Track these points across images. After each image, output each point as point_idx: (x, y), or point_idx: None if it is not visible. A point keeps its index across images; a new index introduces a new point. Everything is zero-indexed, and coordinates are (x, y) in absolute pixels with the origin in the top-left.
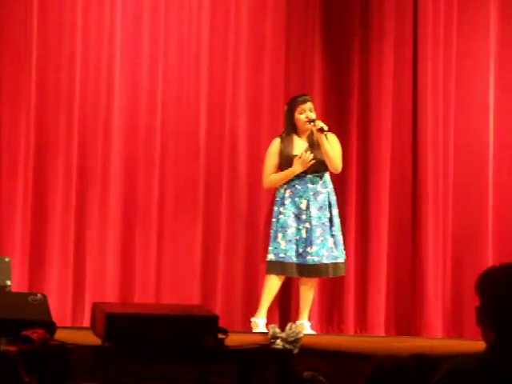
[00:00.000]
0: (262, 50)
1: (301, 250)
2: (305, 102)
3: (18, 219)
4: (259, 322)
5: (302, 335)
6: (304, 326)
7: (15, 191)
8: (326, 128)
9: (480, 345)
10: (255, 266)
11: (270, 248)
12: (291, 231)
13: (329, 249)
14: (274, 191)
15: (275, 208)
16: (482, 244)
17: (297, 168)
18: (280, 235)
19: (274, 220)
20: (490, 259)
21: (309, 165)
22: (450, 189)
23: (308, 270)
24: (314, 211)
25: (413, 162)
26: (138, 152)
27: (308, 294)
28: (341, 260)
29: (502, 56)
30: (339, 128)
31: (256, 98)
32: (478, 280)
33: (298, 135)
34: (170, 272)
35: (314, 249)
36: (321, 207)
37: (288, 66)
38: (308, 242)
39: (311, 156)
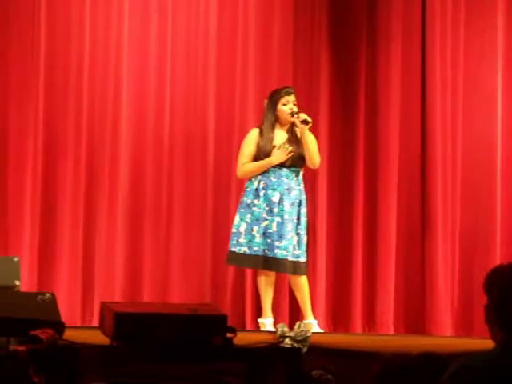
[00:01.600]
0: (269, 50)
1: (269, 243)
2: (289, 93)
3: (26, 219)
4: (266, 322)
5: (310, 334)
6: (312, 325)
7: (24, 191)
8: (309, 120)
9: (489, 343)
10: None
11: (241, 240)
12: (264, 224)
13: (293, 246)
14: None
15: (245, 198)
16: (491, 243)
17: (275, 158)
18: (255, 228)
19: (242, 210)
20: (498, 258)
21: (287, 157)
22: (458, 188)
23: (273, 263)
24: (286, 206)
25: (421, 162)
26: (147, 151)
27: (301, 293)
28: (302, 259)
29: (511, 55)
30: (346, 127)
31: (264, 98)
32: (486, 278)
33: (278, 127)
34: (178, 271)
35: (284, 243)
36: (292, 203)
37: (295, 66)
38: (278, 235)
39: (290, 148)
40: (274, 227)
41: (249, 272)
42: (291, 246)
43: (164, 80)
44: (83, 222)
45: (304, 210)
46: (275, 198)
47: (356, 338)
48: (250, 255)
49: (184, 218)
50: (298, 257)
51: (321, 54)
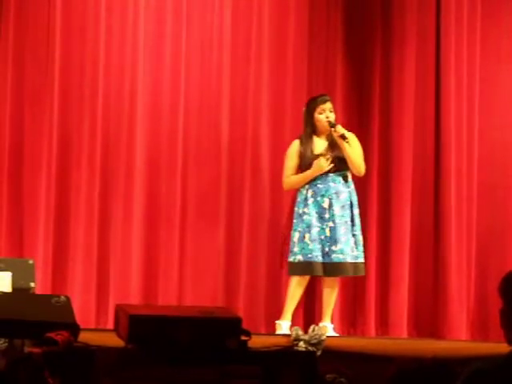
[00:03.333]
0: (284, 53)
1: (326, 249)
2: (325, 101)
3: (41, 221)
4: (283, 325)
5: (324, 337)
6: (327, 328)
7: (39, 194)
8: (347, 135)
9: (504, 347)
10: (278, 267)
11: (294, 249)
12: (315, 231)
13: (350, 248)
14: (295, 192)
15: (296, 209)
16: (507, 245)
17: (317, 169)
18: (307, 236)
19: (295, 221)
20: None
21: (329, 167)
22: (473, 190)
23: (333, 268)
24: (337, 210)
25: (435, 163)
26: (161, 154)
27: (331, 295)
28: (361, 260)
29: None
30: (361, 130)
31: (278, 101)
32: (501, 282)
33: (318, 135)
34: (192, 274)
35: (339, 247)
36: (343, 206)
37: (310, 69)
38: (333, 240)
39: (329, 161)
40: (328, 233)
41: (262, 275)
42: (349, 249)
43: (178, 82)
44: (98, 224)
45: (357, 211)
46: (325, 204)
47: (369, 341)
48: (305, 262)
49: (198, 221)
50: (357, 258)
51: (336, 57)
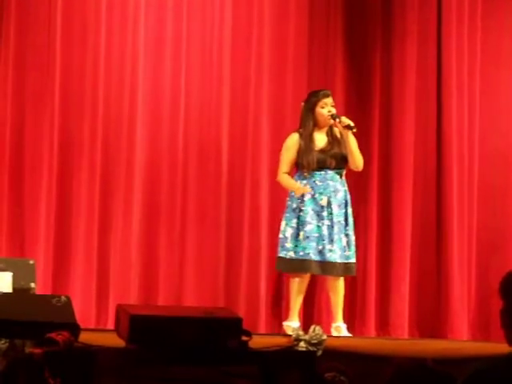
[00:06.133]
0: (284, 52)
1: (320, 247)
2: (327, 96)
3: (42, 222)
4: (292, 326)
5: (325, 337)
6: (340, 329)
7: (39, 194)
8: (352, 124)
9: (505, 347)
10: None
11: (286, 244)
12: (310, 228)
13: (342, 248)
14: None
15: (290, 202)
16: (508, 245)
17: (297, 189)
18: (301, 233)
19: (288, 215)
20: None
21: (301, 194)
22: (475, 190)
23: (327, 267)
24: (335, 208)
25: (437, 163)
26: (162, 155)
27: (338, 296)
28: (352, 260)
29: None
30: (361, 128)
31: (279, 102)
32: (501, 282)
33: (318, 130)
34: (193, 274)
35: (335, 246)
36: (339, 205)
37: (311, 68)
38: (329, 239)
39: (309, 189)
40: (325, 231)
41: (263, 275)
42: (341, 248)
43: (179, 83)
44: (98, 225)
45: (350, 211)
46: (323, 201)
47: (370, 341)
48: (296, 260)
49: (198, 222)
50: (349, 258)
51: (336, 56)
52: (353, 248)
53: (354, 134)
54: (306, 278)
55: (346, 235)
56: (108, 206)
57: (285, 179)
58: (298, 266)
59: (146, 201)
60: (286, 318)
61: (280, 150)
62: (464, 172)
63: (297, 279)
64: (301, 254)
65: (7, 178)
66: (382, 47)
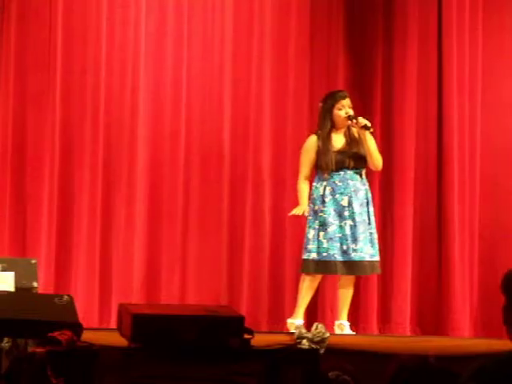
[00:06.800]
0: (286, 51)
1: (345, 247)
2: (344, 97)
3: (44, 221)
4: (296, 323)
5: (328, 335)
6: (344, 326)
7: (41, 193)
8: (369, 124)
9: (508, 344)
10: (281, 266)
11: (309, 247)
12: (332, 229)
13: (368, 247)
14: (296, 192)
15: (312, 205)
16: (510, 242)
17: (302, 206)
18: (322, 234)
19: (310, 218)
20: None
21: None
22: (476, 187)
23: (353, 267)
24: (356, 207)
25: (438, 160)
26: (164, 155)
27: (347, 294)
28: (376, 258)
29: None
30: None
31: (280, 100)
32: (503, 279)
33: (336, 131)
34: (195, 273)
35: (359, 245)
36: (361, 204)
37: (312, 67)
38: (353, 238)
39: (307, 211)
40: (348, 230)
41: (265, 274)
42: (366, 247)
43: (180, 83)
44: (100, 224)
45: (372, 209)
46: (344, 201)
47: (372, 339)
48: (319, 261)
49: (200, 221)
50: (373, 256)
51: (337, 55)
52: (376, 246)
53: (371, 134)
54: (318, 277)
55: (370, 233)
56: (110, 205)
57: (300, 190)
58: (323, 267)
59: (148, 200)
60: (289, 316)
61: (281, 148)
62: (465, 169)
63: (308, 277)
64: (324, 255)
65: (9, 176)
66: (384, 46)
